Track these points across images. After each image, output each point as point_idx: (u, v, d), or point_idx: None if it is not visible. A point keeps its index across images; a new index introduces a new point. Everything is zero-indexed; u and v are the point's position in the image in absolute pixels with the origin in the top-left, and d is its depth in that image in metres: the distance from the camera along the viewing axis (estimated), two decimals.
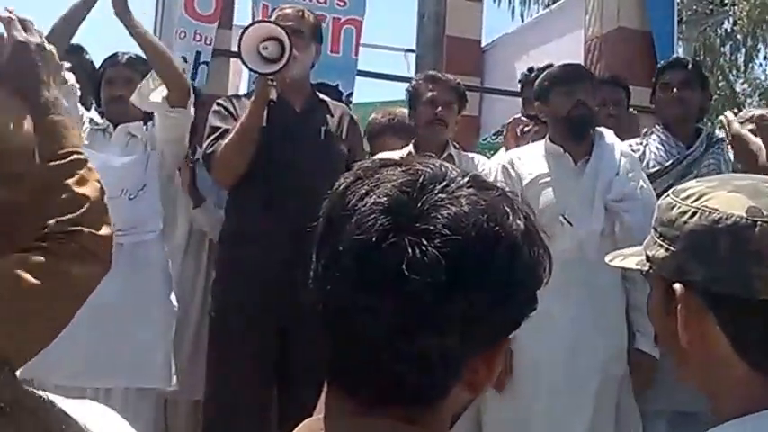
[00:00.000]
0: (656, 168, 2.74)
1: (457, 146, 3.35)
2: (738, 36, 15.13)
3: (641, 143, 2.85)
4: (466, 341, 0.64)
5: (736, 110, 3.45)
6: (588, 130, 2.57)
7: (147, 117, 2.71)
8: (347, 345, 0.65)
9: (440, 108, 2.69)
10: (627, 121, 3.23)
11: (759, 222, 0.76)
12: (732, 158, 2.78)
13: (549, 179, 2.53)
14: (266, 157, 2.41)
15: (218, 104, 2.62)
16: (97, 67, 2.81)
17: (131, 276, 2.46)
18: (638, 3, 4.30)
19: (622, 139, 2.74)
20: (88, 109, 2.86)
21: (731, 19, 13.99)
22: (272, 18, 2.59)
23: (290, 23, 2.50)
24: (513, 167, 2.59)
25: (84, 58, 2.96)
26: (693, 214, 0.79)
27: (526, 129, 3.02)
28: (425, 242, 0.60)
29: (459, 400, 0.68)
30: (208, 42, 3.67)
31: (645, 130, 2.96)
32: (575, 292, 2.41)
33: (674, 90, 2.82)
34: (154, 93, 2.47)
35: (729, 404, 0.77)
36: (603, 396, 2.42)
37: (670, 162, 2.75)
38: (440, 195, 0.63)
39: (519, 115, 3.22)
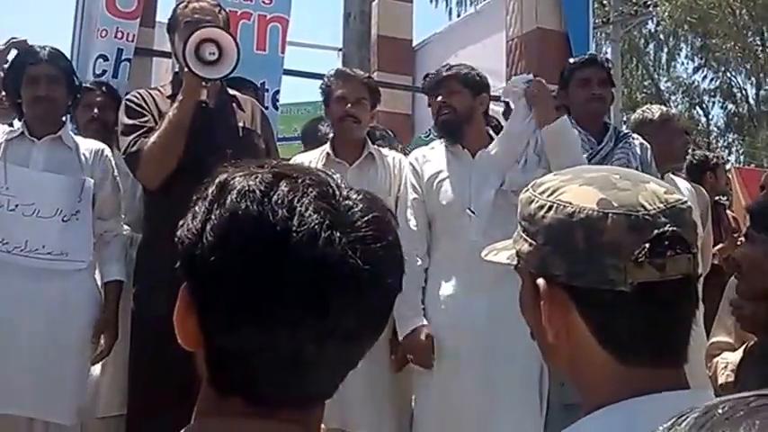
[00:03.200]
0: None
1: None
2: (661, 36, 15.73)
3: None
4: (368, 343, 0.67)
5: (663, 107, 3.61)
6: (454, 130, 2.62)
7: (69, 110, 2.63)
8: (250, 346, 0.63)
9: (349, 105, 2.68)
10: None
11: (610, 214, 0.76)
12: (639, 152, 2.89)
13: (448, 174, 2.59)
14: (187, 158, 2.34)
15: (129, 101, 2.51)
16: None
17: (57, 309, 2.39)
18: (555, 4, 4.47)
19: None
20: None
21: (655, 20, 14.53)
22: (188, 9, 2.52)
23: (208, 18, 2.45)
24: (418, 163, 2.65)
25: None
26: (550, 208, 0.79)
27: None
28: (363, 250, 0.63)
29: None
30: (130, 39, 3.60)
31: None
32: (483, 286, 2.41)
33: (596, 88, 2.89)
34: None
35: (596, 395, 0.77)
36: (526, 385, 2.43)
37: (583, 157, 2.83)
38: (347, 203, 0.65)
39: None
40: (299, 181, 0.65)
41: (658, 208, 0.76)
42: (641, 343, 0.76)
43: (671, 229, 0.75)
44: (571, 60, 3.12)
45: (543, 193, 0.81)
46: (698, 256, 0.78)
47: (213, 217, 0.64)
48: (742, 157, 16.18)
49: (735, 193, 6.10)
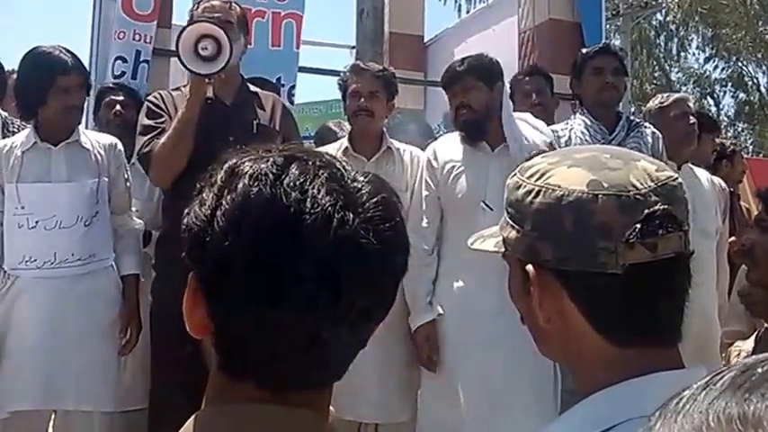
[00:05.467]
0: None
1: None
2: (672, 27, 15.68)
3: (566, 127, 2.93)
4: (377, 323, 0.67)
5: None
6: (476, 128, 2.56)
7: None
8: (264, 330, 0.63)
9: (362, 99, 2.67)
10: (552, 108, 3.35)
11: (600, 195, 0.74)
12: (651, 141, 2.90)
13: (465, 167, 2.54)
14: (200, 154, 2.33)
15: (149, 102, 2.56)
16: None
17: (92, 305, 2.47)
18: None
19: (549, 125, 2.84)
20: None
21: (664, 11, 14.48)
22: (199, 10, 2.53)
23: (218, 15, 2.46)
24: (435, 156, 2.62)
25: None
26: (538, 193, 0.77)
27: None
28: (373, 231, 0.63)
29: None
30: (147, 41, 3.65)
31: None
32: (495, 278, 2.33)
33: (609, 76, 2.89)
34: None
35: (590, 377, 0.76)
36: (541, 379, 2.40)
37: None
38: (355, 184, 0.65)
39: None
40: (310, 163, 0.65)
41: (649, 186, 0.74)
42: (634, 324, 0.75)
43: (662, 207, 0.73)
44: (584, 50, 3.13)
45: (531, 177, 0.78)
46: (689, 233, 0.77)
47: (224, 202, 0.63)
48: (751, 147, 16.11)
49: (743, 183, 6.04)
